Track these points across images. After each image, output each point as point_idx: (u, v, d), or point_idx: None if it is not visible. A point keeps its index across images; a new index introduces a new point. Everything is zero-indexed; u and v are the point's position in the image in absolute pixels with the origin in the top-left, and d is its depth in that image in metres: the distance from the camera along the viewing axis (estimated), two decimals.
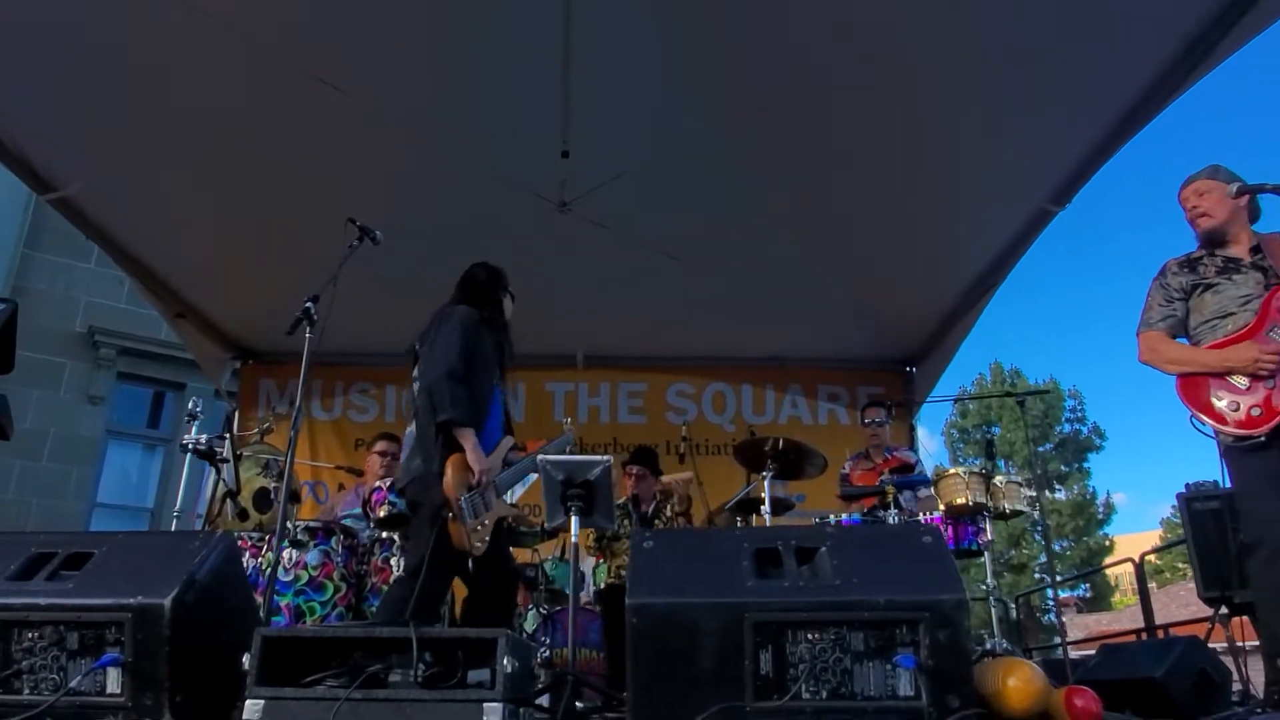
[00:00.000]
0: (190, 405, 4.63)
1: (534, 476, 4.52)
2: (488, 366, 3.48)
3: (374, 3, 4.22)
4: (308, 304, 3.25)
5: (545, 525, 3.61)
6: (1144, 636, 6.49)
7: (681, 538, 2.47)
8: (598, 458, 3.16)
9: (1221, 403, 3.05)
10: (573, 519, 3.11)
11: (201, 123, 4.77)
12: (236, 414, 7.16)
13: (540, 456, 3.31)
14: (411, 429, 3.48)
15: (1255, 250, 3.21)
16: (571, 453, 4.07)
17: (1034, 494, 4.73)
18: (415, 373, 3.56)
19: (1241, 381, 3.03)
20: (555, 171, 5.15)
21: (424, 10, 4.26)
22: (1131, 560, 7.06)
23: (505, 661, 2.05)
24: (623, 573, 4.96)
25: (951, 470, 4.49)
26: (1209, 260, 3.26)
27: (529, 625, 4.96)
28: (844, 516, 4.59)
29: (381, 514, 4.28)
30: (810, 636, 2.06)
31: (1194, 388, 3.15)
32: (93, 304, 10.58)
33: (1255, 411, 2.99)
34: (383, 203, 5.37)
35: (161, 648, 2.09)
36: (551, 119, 4.78)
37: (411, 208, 5.48)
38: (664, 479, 5.21)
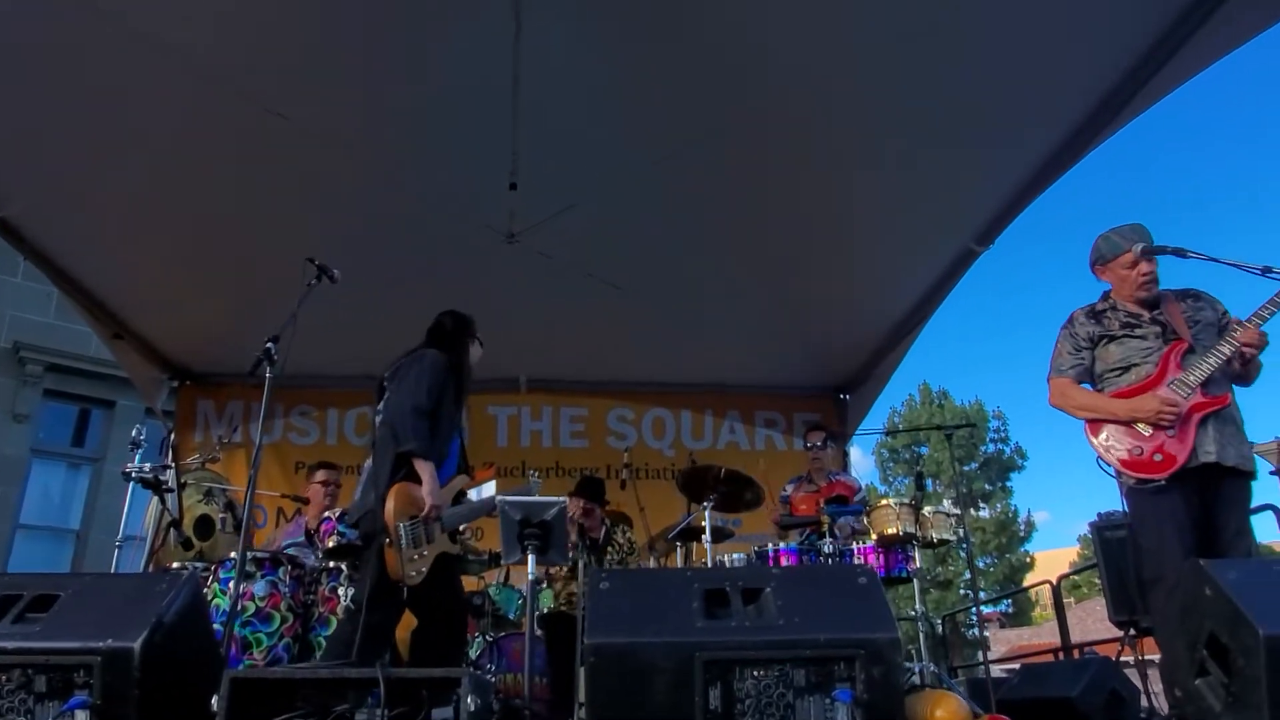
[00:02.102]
0: (134, 433, 4.61)
1: None
2: (451, 410, 3.58)
3: (325, 32, 4.24)
4: (268, 344, 3.28)
5: (502, 561, 3.68)
6: (1061, 656, 6.83)
7: (636, 579, 2.60)
8: (554, 499, 3.27)
9: (1123, 447, 3.33)
10: (530, 557, 3.21)
11: (145, 147, 4.73)
12: (173, 437, 7.05)
13: (499, 497, 3.40)
14: (368, 463, 3.54)
15: (1153, 305, 3.50)
16: None
17: (959, 512, 4.96)
18: (380, 406, 3.61)
19: (1145, 429, 3.31)
20: (504, 203, 5.24)
21: (375, 41, 4.31)
22: (1050, 582, 7.41)
23: (469, 700, 2.16)
24: (571, 599, 5.07)
25: (884, 501, 4.71)
26: (1112, 314, 3.56)
27: (473, 652, 5.02)
28: (781, 545, 4.75)
29: (330, 544, 4.32)
30: (756, 673, 2.21)
31: (1101, 432, 3.42)
32: (19, 319, 10.27)
33: (1156, 457, 3.27)
34: (329, 229, 5.38)
35: (131, 690, 2.14)
36: (501, 152, 4.87)
37: (358, 234, 5.48)
38: None
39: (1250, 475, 3.29)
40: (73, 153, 4.72)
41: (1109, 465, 3.38)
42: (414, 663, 3.39)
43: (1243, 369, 3.34)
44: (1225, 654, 2.40)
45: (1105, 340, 3.52)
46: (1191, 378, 3.29)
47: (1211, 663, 2.45)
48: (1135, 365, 3.44)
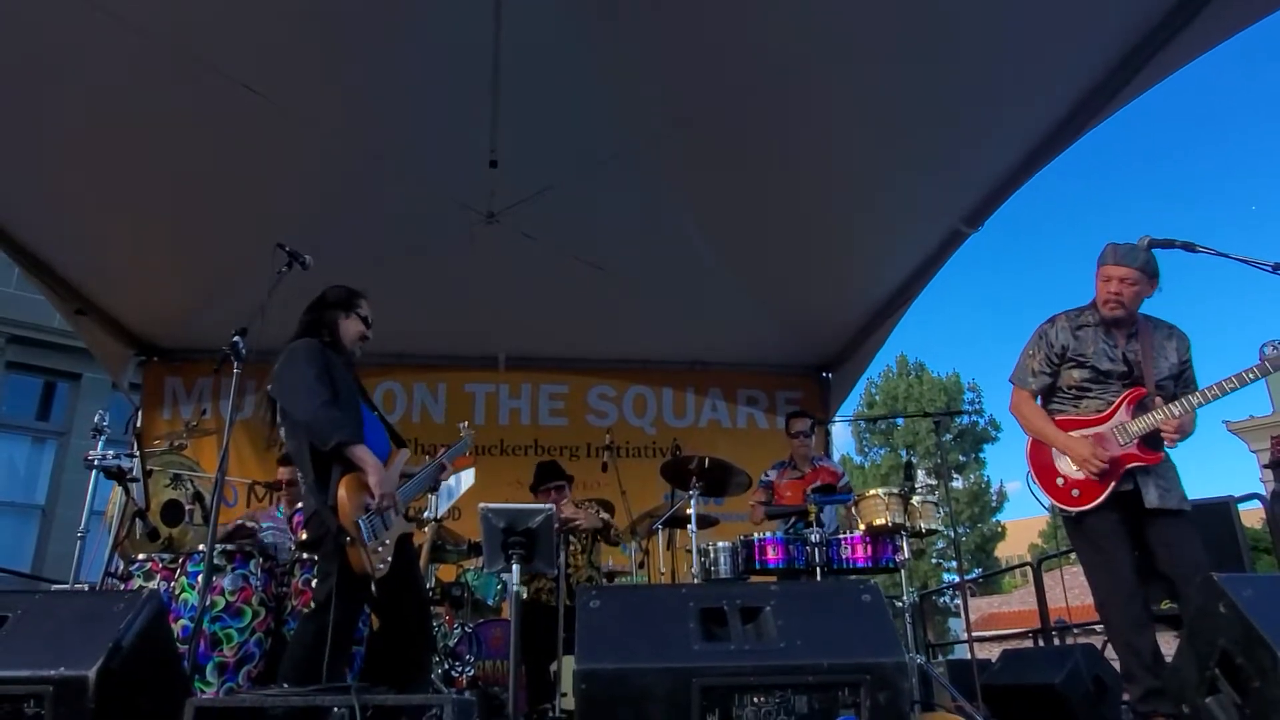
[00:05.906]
0: (96, 418, 4.40)
1: (457, 490, 4.45)
2: (349, 388, 3.37)
3: (302, 5, 4.06)
4: (235, 339, 3.09)
5: (484, 570, 3.52)
6: (1040, 641, 6.84)
7: (628, 597, 2.47)
8: (540, 506, 3.13)
9: (1057, 478, 3.42)
10: (514, 566, 3.08)
11: (108, 120, 4.54)
12: (140, 415, 6.82)
13: (482, 505, 3.25)
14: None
15: (1131, 337, 3.45)
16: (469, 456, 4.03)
17: (935, 482, 4.88)
18: (278, 419, 3.42)
19: (1072, 464, 3.39)
20: (484, 182, 5.07)
21: (354, 16, 4.13)
22: (1030, 565, 7.43)
23: None
24: (542, 596, 4.98)
25: (872, 491, 4.61)
26: (1092, 334, 3.49)
27: (451, 640, 4.89)
28: (767, 535, 4.66)
29: (304, 536, 4.15)
30: (756, 700, 2.10)
31: (1040, 452, 3.51)
32: None
33: (1074, 492, 3.35)
34: (304, 206, 5.23)
35: None
36: (481, 130, 4.70)
37: (334, 211, 5.34)
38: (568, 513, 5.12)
39: (1176, 514, 3.29)
40: (30, 128, 4.50)
41: (1035, 485, 3.48)
42: (378, 674, 3.26)
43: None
44: (1238, 673, 2.32)
45: (1071, 364, 3.50)
46: (1134, 428, 3.32)
47: (1223, 681, 2.37)
48: (1087, 398, 3.47)
